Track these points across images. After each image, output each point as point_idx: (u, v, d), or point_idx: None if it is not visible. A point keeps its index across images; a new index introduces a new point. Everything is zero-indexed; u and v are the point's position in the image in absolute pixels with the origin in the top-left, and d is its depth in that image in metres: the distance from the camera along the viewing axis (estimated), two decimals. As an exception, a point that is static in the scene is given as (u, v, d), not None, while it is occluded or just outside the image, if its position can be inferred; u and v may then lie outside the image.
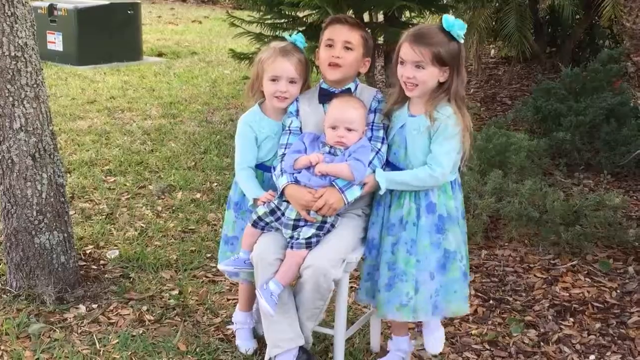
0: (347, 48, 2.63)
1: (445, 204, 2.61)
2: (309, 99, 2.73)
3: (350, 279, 2.86)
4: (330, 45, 2.65)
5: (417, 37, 2.50)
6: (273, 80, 2.70)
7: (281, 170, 2.61)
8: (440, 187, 2.60)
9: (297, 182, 2.57)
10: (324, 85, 2.71)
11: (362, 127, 2.60)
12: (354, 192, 2.55)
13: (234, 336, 3.04)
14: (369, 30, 2.76)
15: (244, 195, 2.76)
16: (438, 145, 2.52)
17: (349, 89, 2.69)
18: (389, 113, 2.65)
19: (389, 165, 2.64)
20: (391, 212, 2.62)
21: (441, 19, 2.52)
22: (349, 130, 2.56)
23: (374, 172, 2.57)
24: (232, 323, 3.08)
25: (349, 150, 2.56)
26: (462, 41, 2.51)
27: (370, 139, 2.62)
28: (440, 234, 2.60)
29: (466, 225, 2.74)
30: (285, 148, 2.67)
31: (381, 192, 2.57)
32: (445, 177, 2.56)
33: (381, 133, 2.64)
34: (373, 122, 2.65)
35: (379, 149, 2.61)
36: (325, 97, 2.69)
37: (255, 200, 2.69)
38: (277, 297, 2.53)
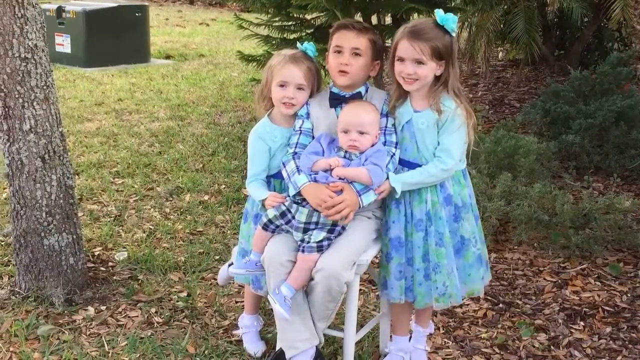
0: (356, 54, 2.63)
1: (459, 193, 2.67)
2: (320, 102, 2.73)
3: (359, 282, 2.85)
4: (338, 52, 2.65)
5: (414, 33, 2.52)
6: (281, 85, 2.70)
7: (298, 169, 2.60)
8: (454, 178, 2.65)
9: (315, 182, 2.56)
10: (334, 90, 2.71)
11: (374, 131, 2.59)
12: (370, 197, 2.56)
13: (242, 340, 3.04)
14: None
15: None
16: (447, 136, 2.56)
17: (359, 93, 2.69)
18: (392, 110, 2.67)
19: (401, 162, 2.65)
20: (414, 209, 2.64)
21: (434, 13, 2.57)
22: (362, 133, 2.56)
23: (387, 177, 2.57)
24: (238, 328, 3.08)
25: (364, 154, 2.56)
26: (454, 35, 2.56)
27: (384, 144, 2.61)
28: (457, 222, 2.67)
29: (478, 210, 2.82)
30: (296, 147, 2.66)
31: (397, 196, 2.60)
32: (456, 167, 2.62)
33: (394, 137, 2.64)
34: (386, 127, 2.64)
35: (393, 153, 2.61)
36: (336, 101, 2.68)
37: (263, 202, 2.69)
38: (290, 300, 2.52)
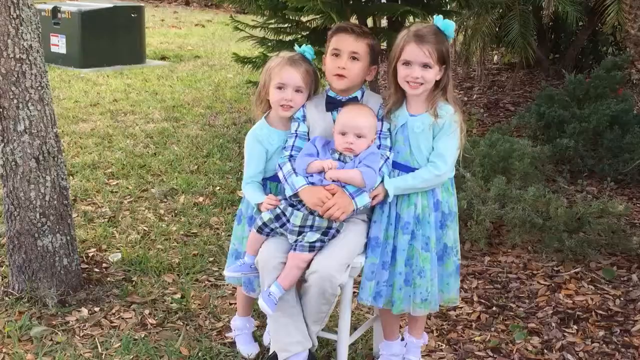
0: (353, 58, 2.63)
1: (447, 200, 2.68)
2: (316, 105, 2.73)
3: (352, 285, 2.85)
4: (336, 55, 2.65)
5: (422, 37, 2.54)
6: (279, 87, 2.70)
7: (294, 171, 2.60)
8: (443, 185, 2.66)
9: (311, 185, 2.57)
10: (331, 94, 2.71)
11: (371, 135, 2.60)
12: (364, 199, 2.56)
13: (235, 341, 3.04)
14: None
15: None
16: (442, 142, 2.57)
17: (355, 97, 2.69)
18: (387, 114, 2.68)
19: (393, 164, 2.65)
20: (403, 211, 2.63)
21: (430, 17, 2.58)
22: (358, 136, 2.57)
23: (382, 180, 2.58)
24: (231, 330, 3.07)
25: (358, 157, 2.57)
26: (451, 41, 2.61)
27: (378, 147, 2.62)
28: (442, 229, 2.68)
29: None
30: (292, 150, 2.66)
31: (389, 200, 2.60)
32: (447, 175, 2.62)
33: (388, 142, 2.65)
34: (381, 131, 2.65)
35: (387, 157, 2.62)
36: (332, 105, 2.69)
37: (259, 205, 2.69)
38: (275, 297, 2.52)
